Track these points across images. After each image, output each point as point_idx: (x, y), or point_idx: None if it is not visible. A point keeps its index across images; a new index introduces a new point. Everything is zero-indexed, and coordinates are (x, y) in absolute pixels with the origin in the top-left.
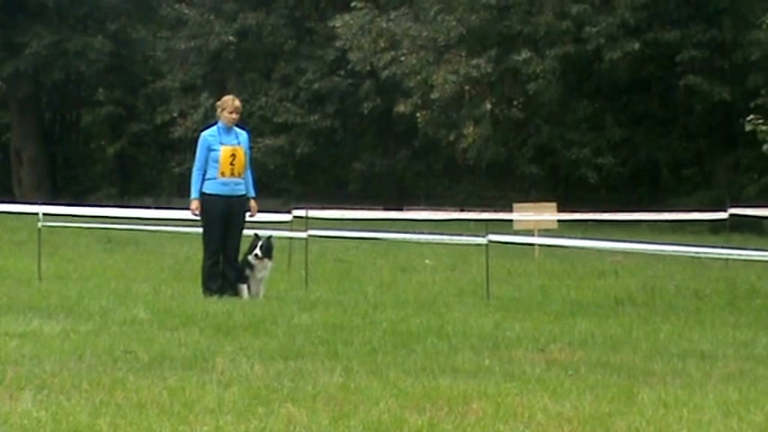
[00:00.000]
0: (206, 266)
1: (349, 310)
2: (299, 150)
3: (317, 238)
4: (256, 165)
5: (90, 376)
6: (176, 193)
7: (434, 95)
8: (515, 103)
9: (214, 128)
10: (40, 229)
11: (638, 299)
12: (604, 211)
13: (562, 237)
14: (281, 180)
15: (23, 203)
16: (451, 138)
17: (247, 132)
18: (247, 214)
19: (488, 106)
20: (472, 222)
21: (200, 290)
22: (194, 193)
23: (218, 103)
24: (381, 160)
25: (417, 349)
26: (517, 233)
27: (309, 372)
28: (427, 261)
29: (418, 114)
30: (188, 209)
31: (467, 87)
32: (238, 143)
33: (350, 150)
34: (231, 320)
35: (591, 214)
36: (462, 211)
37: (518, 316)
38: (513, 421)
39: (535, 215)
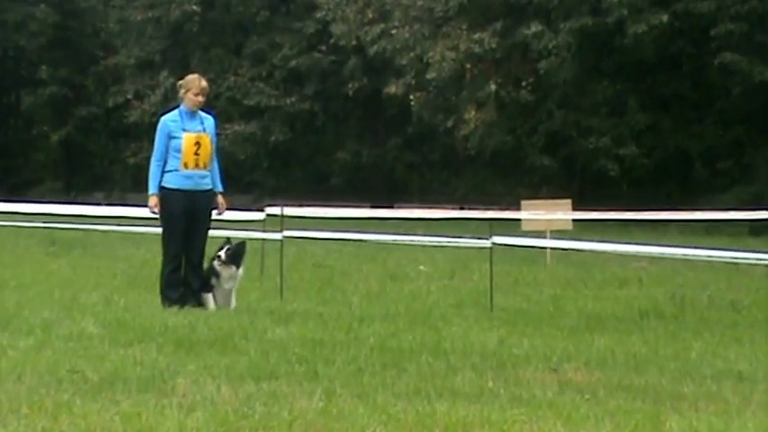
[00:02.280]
0: (165, 272)
1: (330, 324)
2: (273, 138)
3: (293, 240)
4: (224, 154)
5: (30, 399)
6: (131, 187)
7: (430, 75)
8: (524, 83)
9: (176, 112)
10: None
11: (665, 311)
12: (626, 209)
13: (578, 239)
14: (252, 172)
15: None
16: (450, 124)
17: (214, 117)
18: (214, 212)
19: (493, 87)
20: (474, 222)
21: (158, 299)
22: (152, 188)
23: (181, 82)
24: (369, 150)
25: (410, 369)
26: (526, 235)
27: (285, 395)
28: (421, 267)
29: (411, 97)
30: (145, 206)
31: (468, 65)
32: (203, 129)
33: (332, 138)
34: (194, 335)
35: (611, 213)
36: (462, 209)
37: (526, 331)
38: None
39: (546, 214)
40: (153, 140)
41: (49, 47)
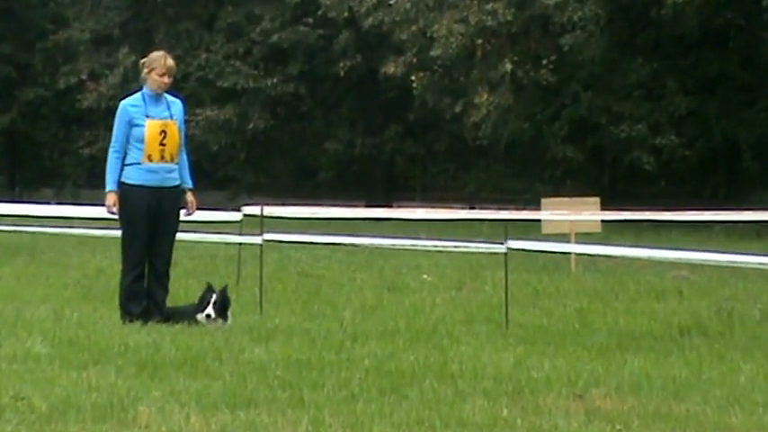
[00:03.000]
0: (126, 282)
1: (318, 343)
2: (251, 125)
3: (275, 245)
4: (194, 145)
5: None
6: (86, 182)
7: (435, 52)
8: (545, 62)
9: (138, 95)
10: None
11: (709, 328)
12: (664, 208)
13: (607, 243)
14: (227, 166)
15: None
16: (458, 109)
17: (182, 101)
18: (183, 212)
19: (508, 67)
20: (486, 224)
21: (117, 314)
22: (111, 184)
23: (144, 61)
24: (363, 139)
25: (411, 395)
26: (547, 238)
27: (265, 425)
28: (425, 276)
29: (413, 77)
30: (102, 204)
31: (479, 41)
32: (170, 116)
33: (320, 125)
34: (159, 356)
35: (646, 213)
36: (473, 208)
37: (547, 350)
38: None
39: (571, 214)
40: (111, 128)
41: None
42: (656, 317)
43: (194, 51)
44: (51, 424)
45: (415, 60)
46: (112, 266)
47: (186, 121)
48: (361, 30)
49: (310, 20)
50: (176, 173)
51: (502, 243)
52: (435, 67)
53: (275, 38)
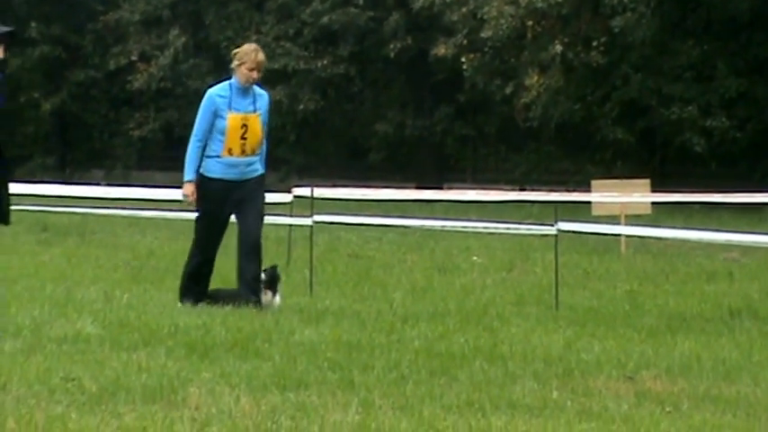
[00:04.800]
0: (191, 265)
1: (369, 325)
2: (301, 107)
3: (325, 226)
4: None
5: (18, 412)
6: (136, 164)
7: (486, 33)
8: (595, 43)
9: (225, 85)
10: None
11: (760, 310)
12: (715, 190)
13: (657, 225)
14: (277, 147)
15: None
16: (508, 91)
17: (269, 95)
18: None
19: (558, 48)
20: (536, 206)
21: (167, 295)
22: (189, 174)
23: (235, 53)
24: (413, 121)
25: (461, 377)
26: (597, 220)
27: (315, 406)
28: (475, 258)
29: (464, 59)
30: (152, 186)
31: (530, 23)
32: (255, 110)
33: (371, 107)
34: (209, 338)
35: (696, 195)
36: (523, 190)
37: (597, 332)
38: None
39: (621, 196)
40: (162, 110)
41: (39, 0)
42: (707, 299)
43: (244, 33)
44: (101, 405)
45: (465, 42)
46: (162, 247)
47: (268, 113)
48: (411, 11)
49: (360, 1)
50: (257, 164)
51: (552, 225)
52: (486, 49)
53: (325, 19)
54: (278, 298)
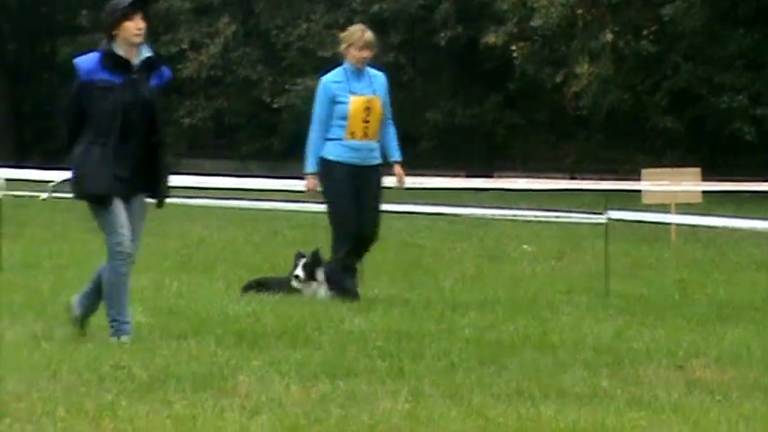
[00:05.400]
0: (338, 257)
1: (419, 313)
2: None
3: None
4: (294, 113)
5: (68, 400)
6: (186, 151)
7: (536, 22)
8: (645, 32)
9: (339, 71)
10: (0, 201)
11: None
12: (765, 179)
13: (708, 214)
14: None
15: None
16: (558, 79)
17: (385, 74)
18: (395, 183)
19: (609, 37)
20: (586, 194)
21: (217, 284)
22: (310, 166)
23: (342, 36)
24: (464, 109)
25: (511, 366)
26: (647, 209)
27: (365, 395)
28: (525, 246)
29: (514, 47)
30: (200, 174)
31: (580, 11)
32: (374, 92)
33: (421, 96)
34: (259, 326)
35: (747, 184)
36: (573, 178)
37: (647, 321)
38: None
39: (671, 185)
40: (212, 98)
41: None
42: (757, 288)
43: (294, 21)
44: (151, 393)
45: (515, 30)
46: (212, 236)
47: (389, 93)
48: (461, 0)
49: None
50: (377, 151)
51: (602, 213)
52: (536, 37)
53: (376, 8)
54: (324, 284)
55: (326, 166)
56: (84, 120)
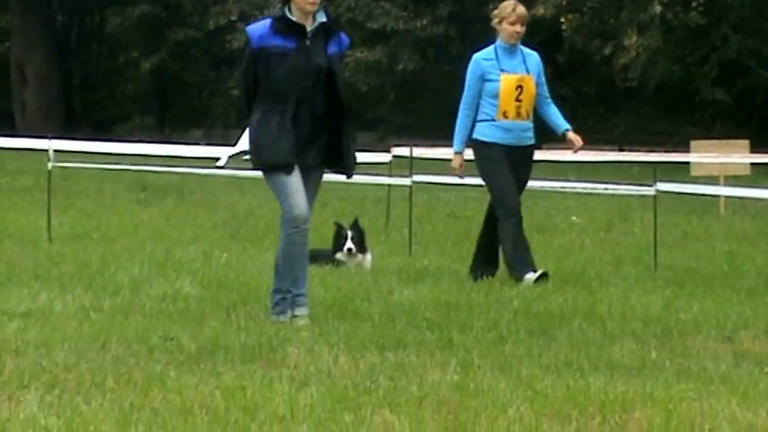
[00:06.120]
0: (508, 237)
1: (467, 285)
2: (400, 66)
3: (424, 186)
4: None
5: (117, 371)
6: (234, 123)
7: None
8: (694, 4)
9: (490, 49)
10: (50, 172)
11: None
12: None
13: (756, 186)
14: (376, 107)
15: (28, 137)
16: (607, 51)
17: (539, 54)
18: (573, 149)
19: (658, 9)
20: (635, 166)
21: (265, 255)
22: (458, 145)
23: (495, 12)
24: None
25: (559, 337)
26: (696, 181)
27: (414, 366)
28: (574, 218)
29: (563, 20)
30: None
31: None
32: (527, 71)
33: None
34: (308, 297)
35: None
36: (622, 150)
37: (696, 293)
38: None
39: (720, 156)
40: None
41: None
42: None
43: None
44: (200, 364)
45: (564, 2)
46: (261, 207)
47: (544, 73)
48: None
49: None
50: (531, 131)
51: (651, 185)
52: (585, 9)
53: None
54: (370, 255)
55: (480, 147)
56: (260, 88)
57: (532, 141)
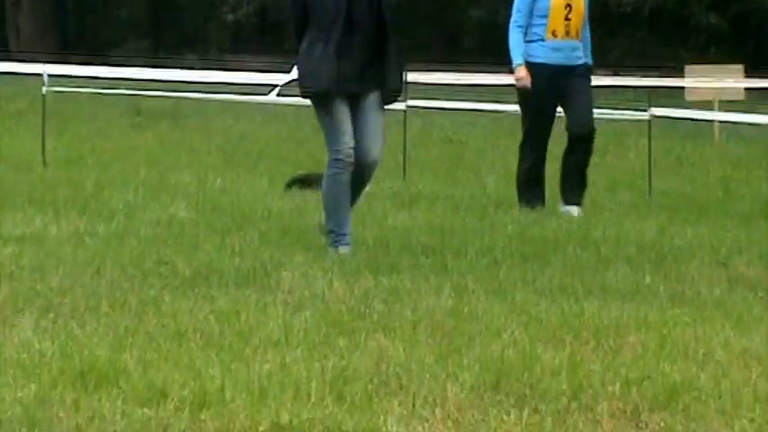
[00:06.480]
0: (523, 168)
1: (462, 209)
2: None
3: (419, 111)
4: None
5: (111, 295)
6: (229, 47)
7: None
8: None
9: None
10: (44, 96)
11: None
12: None
13: (751, 112)
14: None
15: (22, 61)
16: None
17: None
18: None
19: None
20: (630, 91)
21: (260, 180)
22: (518, 58)
23: None
24: (506, 7)
25: (554, 262)
26: (690, 106)
27: (408, 291)
28: None
29: None
30: (246, 70)
31: None
32: None
33: None
34: (303, 221)
35: None
36: (616, 75)
37: (690, 218)
38: (684, 360)
39: (715, 81)
40: None
41: None
42: None
43: None
44: (194, 288)
45: None
46: (256, 132)
47: None
48: None
49: None
50: (581, 51)
51: (645, 110)
52: None
53: None
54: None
55: (530, 68)
56: (309, 16)
57: (583, 61)
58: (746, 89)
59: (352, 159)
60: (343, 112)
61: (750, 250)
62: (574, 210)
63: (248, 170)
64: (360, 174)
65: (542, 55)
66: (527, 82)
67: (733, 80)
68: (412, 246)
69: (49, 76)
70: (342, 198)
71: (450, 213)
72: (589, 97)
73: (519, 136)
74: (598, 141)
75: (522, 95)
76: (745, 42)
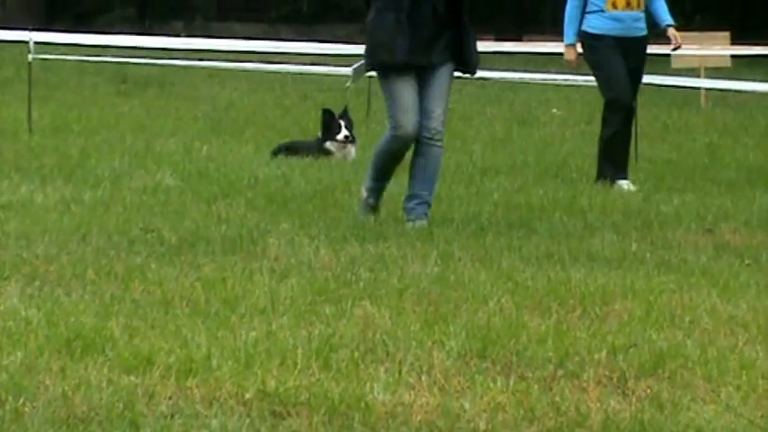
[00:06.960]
0: (606, 135)
1: (448, 177)
2: None
3: None
4: None
5: (97, 263)
6: (215, 14)
7: None
8: None
9: None
10: (30, 64)
11: None
12: None
13: (738, 78)
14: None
15: (8, 29)
16: None
17: None
18: (671, 46)
19: None
20: None
21: (246, 147)
22: (569, 37)
23: None
24: None
25: (540, 229)
26: (677, 73)
27: (394, 258)
28: (554, 110)
29: None
30: (232, 37)
31: None
32: None
33: None
34: (289, 189)
35: None
36: None
37: (676, 185)
38: (670, 327)
39: (701, 48)
40: None
41: None
42: None
43: None
44: (181, 256)
45: None
46: (242, 99)
47: None
48: None
49: None
50: (643, 21)
51: None
52: None
53: None
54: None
55: (590, 40)
56: None
57: (644, 32)
58: (732, 56)
59: (413, 136)
60: (408, 90)
61: (736, 217)
62: (624, 183)
63: (234, 137)
64: (423, 147)
65: (602, 26)
66: (577, 64)
67: (719, 47)
68: (398, 213)
69: (35, 43)
70: (390, 171)
71: None
72: (640, 73)
73: (506, 105)
74: (584, 109)
75: (594, 64)
76: (731, 9)
